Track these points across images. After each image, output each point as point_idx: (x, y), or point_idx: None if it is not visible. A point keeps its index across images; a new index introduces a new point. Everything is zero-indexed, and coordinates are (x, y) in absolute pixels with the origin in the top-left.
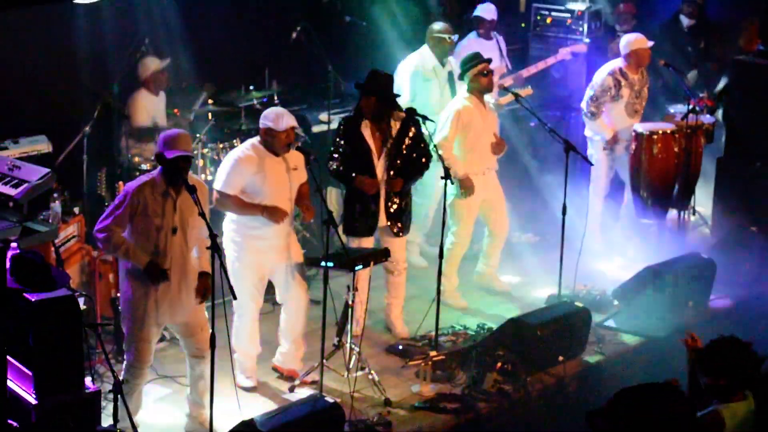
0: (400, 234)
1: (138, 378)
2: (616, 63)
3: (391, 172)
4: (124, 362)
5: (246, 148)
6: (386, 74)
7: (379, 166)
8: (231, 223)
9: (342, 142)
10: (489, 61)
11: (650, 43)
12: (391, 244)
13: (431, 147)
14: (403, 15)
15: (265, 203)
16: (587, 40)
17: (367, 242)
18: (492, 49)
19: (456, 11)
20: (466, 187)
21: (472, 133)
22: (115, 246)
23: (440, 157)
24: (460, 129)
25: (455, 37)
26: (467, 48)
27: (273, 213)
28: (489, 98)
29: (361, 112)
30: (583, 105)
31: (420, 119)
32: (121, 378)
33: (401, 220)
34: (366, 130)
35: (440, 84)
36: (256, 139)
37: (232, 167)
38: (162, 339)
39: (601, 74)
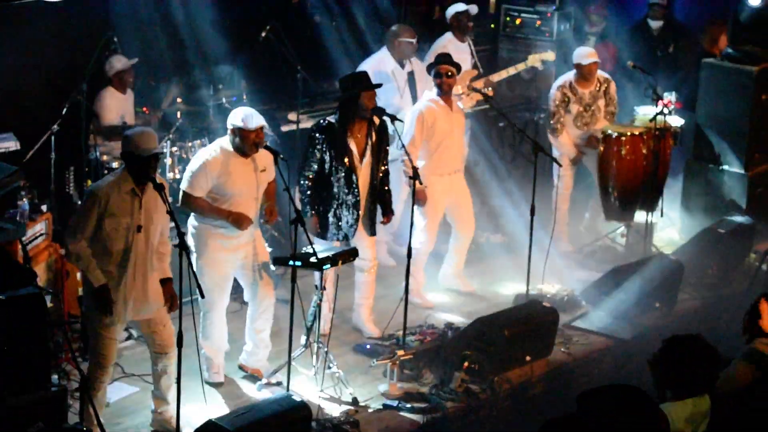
0: (375, 232)
1: (103, 376)
2: (568, 76)
3: (375, 175)
4: (89, 360)
5: (213, 149)
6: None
7: (364, 168)
8: (195, 220)
9: (319, 156)
10: (457, 65)
11: (593, 59)
12: (362, 242)
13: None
14: (372, 15)
15: (231, 204)
16: (552, 56)
17: (339, 243)
18: (465, 50)
19: (418, 12)
20: (418, 198)
21: (437, 134)
22: (77, 257)
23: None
24: (425, 131)
25: (415, 40)
26: (443, 48)
27: (238, 220)
28: (457, 100)
29: (353, 111)
30: (548, 123)
31: (388, 119)
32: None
33: (374, 218)
34: (348, 134)
35: (399, 86)
36: (224, 139)
37: (199, 169)
38: (129, 337)
39: (553, 88)
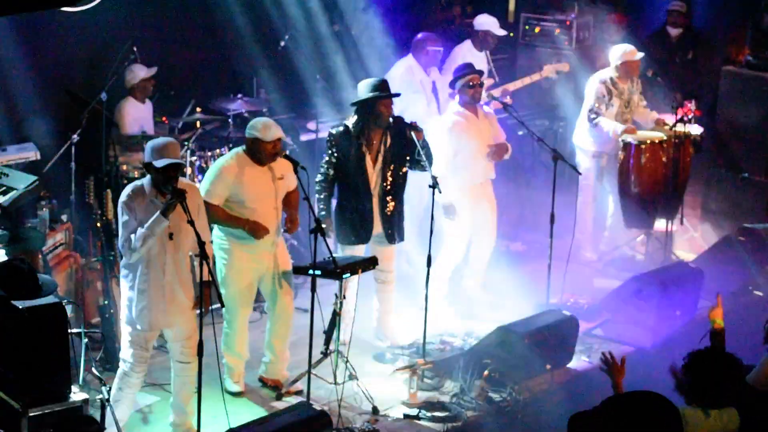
0: (395, 241)
1: (132, 386)
2: (607, 72)
3: (388, 181)
4: (119, 369)
5: (230, 157)
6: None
7: (375, 174)
8: (218, 230)
9: (333, 160)
10: (481, 73)
11: (640, 55)
12: (382, 252)
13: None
14: (391, 23)
15: (250, 212)
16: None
17: (359, 250)
18: (482, 60)
19: (436, 20)
20: (449, 213)
21: (469, 146)
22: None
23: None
24: (454, 145)
25: (441, 49)
26: (462, 56)
27: (255, 229)
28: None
29: (368, 118)
30: (587, 119)
31: (407, 127)
32: (113, 385)
33: (397, 225)
34: (361, 139)
35: (427, 96)
36: (241, 148)
37: (215, 176)
38: None
39: (594, 84)
